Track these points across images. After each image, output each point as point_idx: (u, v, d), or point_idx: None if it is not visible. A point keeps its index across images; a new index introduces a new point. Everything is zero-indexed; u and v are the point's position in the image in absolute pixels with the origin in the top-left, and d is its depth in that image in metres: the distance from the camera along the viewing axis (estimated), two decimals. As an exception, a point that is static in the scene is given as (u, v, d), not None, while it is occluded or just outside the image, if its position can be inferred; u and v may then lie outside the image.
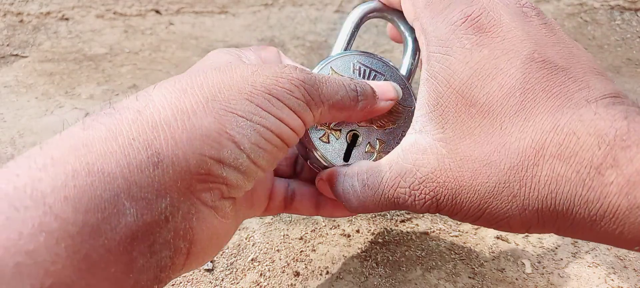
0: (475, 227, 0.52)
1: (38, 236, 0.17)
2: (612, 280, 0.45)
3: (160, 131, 0.22)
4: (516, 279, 0.45)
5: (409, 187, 0.27)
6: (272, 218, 0.53)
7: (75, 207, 0.18)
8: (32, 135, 0.66)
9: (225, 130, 0.23)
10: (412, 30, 0.34)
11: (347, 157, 0.30)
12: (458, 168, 0.25)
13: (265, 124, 0.25)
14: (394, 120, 0.32)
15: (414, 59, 0.35)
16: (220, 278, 0.46)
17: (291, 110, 0.26)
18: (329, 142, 0.29)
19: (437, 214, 0.57)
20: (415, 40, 0.35)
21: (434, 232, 0.51)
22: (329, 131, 0.30)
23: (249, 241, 0.50)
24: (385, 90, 0.31)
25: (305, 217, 0.53)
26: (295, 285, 0.45)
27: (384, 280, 0.45)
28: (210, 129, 0.23)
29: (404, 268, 0.47)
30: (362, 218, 0.53)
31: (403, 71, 0.35)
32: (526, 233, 0.26)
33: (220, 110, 0.23)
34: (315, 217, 0.53)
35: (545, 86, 0.24)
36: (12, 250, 0.17)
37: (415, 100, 0.34)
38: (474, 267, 0.47)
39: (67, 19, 0.99)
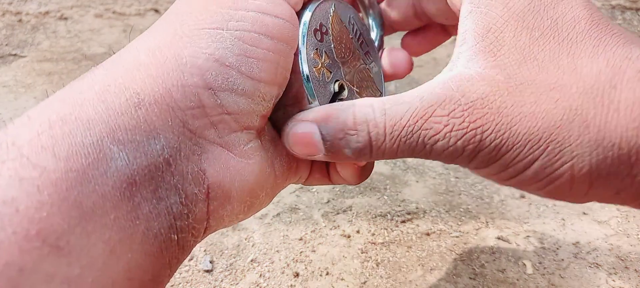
0: (476, 227, 0.52)
1: (16, 185, 0.16)
2: (613, 280, 0.45)
3: (135, 72, 0.20)
4: (517, 280, 0.45)
5: (448, 115, 0.21)
6: (271, 219, 0.53)
7: (55, 154, 0.17)
8: (31, 135, 0.65)
9: (202, 50, 0.21)
10: (380, 23, 0.33)
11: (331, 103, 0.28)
12: (518, 92, 0.21)
13: (245, 27, 0.21)
14: (370, 95, 0.31)
15: (381, 29, 0.34)
16: (220, 279, 0.45)
17: None
18: (320, 78, 0.27)
19: (439, 214, 0.57)
20: (381, 26, 0.34)
21: (434, 232, 0.51)
22: (323, 68, 0.27)
23: (248, 242, 0.50)
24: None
25: (305, 217, 0.53)
26: (295, 285, 0.45)
27: (384, 281, 0.45)
28: (183, 55, 0.21)
29: (405, 269, 0.46)
30: (362, 218, 0.53)
31: (377, 47, 0.34)
32: (582, 200, 0.21)
33: (191, 32, 0.21)
34: (315, 218, 0.53)
35: (607, 25, 0.22)
36: None
37: (383, 83, 0.33)
38: (474, 267, 0.47)
39: (65, 19, 0.98)
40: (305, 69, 0.25)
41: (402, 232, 0.51)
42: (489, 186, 0.59)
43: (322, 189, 0.57)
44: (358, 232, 0.51)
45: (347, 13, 0.30)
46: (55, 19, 0.98)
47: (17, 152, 0.17)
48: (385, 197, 0.56)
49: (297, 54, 0.25)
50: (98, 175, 0.18)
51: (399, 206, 0.55)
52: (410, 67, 0.33)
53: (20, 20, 0.97)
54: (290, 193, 0.57)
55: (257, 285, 0.45)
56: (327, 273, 0.46)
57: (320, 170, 0.31)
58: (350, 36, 0.30)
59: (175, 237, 0.21)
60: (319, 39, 0.27)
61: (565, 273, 0.46)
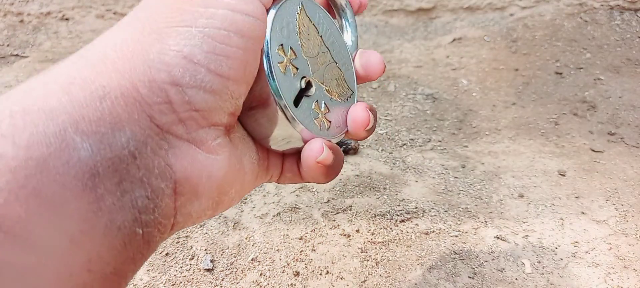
0: (475, 226, 0.52)
1: None
2: (612, 280, 0.45)
3: (102, 66, 0.20)
4: (516, 279, 0.45)
5: None
6: (272, 218, 0.53)
7: (15, 142, 0.17)
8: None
9: (170, 47, 0.21)
10: (353, 25, 0.33)
11: (297, 100, 0.28)
12: None
13: (215, 24, 0.22)
14: (341, 94, 0.31)
15: (355, 31, 0.34)
16: (221, 278, 0.46)
17: None
18: (285, 74, 0.27)
19: (438, 213, 0.57)
20: (354, 28, 0.33)
21: (433, 231, 0.51)
22: (289, 64, 0.27)
23: (249, 241, 0.50)
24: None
25: (305, 216, 0.53)
26: (295, 284, 0.45)
27: (383, 280, 0.45)
28: (151, 51, 0.21)
29: (404, 268, 0.47)
30: (362, 218, 0.53)
31: (350, 50, 0.33)
32: None
33: (160, 29, 0.21)
34: (315, 217, 0.53)
35: None
36: None
37: (356, 83, 0.33)
38: (473, 266, 0.47)
39: (67, 19, 0.99)
40: (268, 63, 0.25)
41: (401, 231, 0.51)
42: (488, 186, 0.59)
43: (322, 188, 0.58)
44: (358, 231, 0.51)
45: (316, 12, 0.29)
46: (56, 20, 0.98)
47: None
48: (385, 197, 0.57)
49: (262, 50, 0.25)
50: (59, 164, 0.18)
51: (399, 205, 0.55)
52: (383, 69, 0.33)
53: (21, 21, 0.97)
54: (290, 193, 0.57)
55: (258, 284, 0.45)
56: (327, 272, 0.46)
57: (292, 168, 0.31)
58: (319, 34, 0.29)
59: (140, 231, 0.21)
60: (284, 35, 0.26)
61: (564, 273, 0.46)
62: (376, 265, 0.47)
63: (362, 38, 0.97)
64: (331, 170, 0.29)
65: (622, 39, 0.95)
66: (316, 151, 0.27)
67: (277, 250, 0.49)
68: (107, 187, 0.19)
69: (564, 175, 0.61)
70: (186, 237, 0.51)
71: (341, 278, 0.45)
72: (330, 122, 0.29)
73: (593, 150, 0.67)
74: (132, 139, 0.20)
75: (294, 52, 0.27)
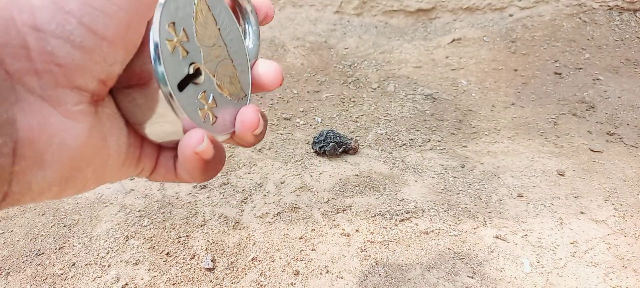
0: (474, 226, 0.52)
1: None
2: (611, 279, 0.46)
3: None
4: (515, 278, 0.46)
5: None
6: (272, 218, 0.53)
7: None
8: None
9: None
10: (257, 33, 0.31)
11: (182, 85, 0.26)
12: None
13: None
14: (233, 93, 0.29)
15: (258, 39, 0.32)
16: (221, 278, 0.46)
17: None
18: (172, 53, 0.25)
19: (438, 213, 0.57)
20: (257, 37, 0.32)
21: (433, 231, 0.52)
22: (179, 44, 0.25)
23: (249, 240, 0.50)
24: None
25: (305, 216, 0.53)
26: (295, 284, 0.45)
27: (383, 279, 0.46)
28: None
29: (403, 268, 0.47)
30: (361, 217, 0.53)
31: (250, 55, 0.32)
32: None
33: None
34: (315, 217, 0.53)
35: None
36: None
37: (250, 88, 0.31)
38: (473, 266, 0.47)
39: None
40: (153, 37, 0.23)
41: (401, 230, 0.52)
42: (487, 185, 0.60)
43: (322, 188, 0.58)
44: (357, 230, 0.51)
45: (217, 5, 0.28)
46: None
47: None
48: (384, 196, 0.57)
49: (150, 22, 0.23)
50: None
51: (398, 205, 0.55)
52: (281, 81, 0.32)
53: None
54: (290, 193, 0.57)
55: (258, 284, 0.45)
56: (327, 272, 0.46)
57: (167, 163, 0.28)
58: (217, 27, 0.28)
59: None
60: (179, 15, 0.24)
61: (563, 272, 0.46)
62: (376, 264, 0.47)
63: (362, 38, 0.97)
64: (210, 167, 0.27)
65: (621, 39, 0.95)
66: (195, 140, 0.24)
67: (278, 249, 0.49)
68: None
69: (563, 175, 0.62)
70: (187, 236, 0.51)
71: (341, 278, 0.46)
72: (216, 117, 0.27)
73: (592, 150, 0.68)
74: None
75: (186, 35, 0.25)
